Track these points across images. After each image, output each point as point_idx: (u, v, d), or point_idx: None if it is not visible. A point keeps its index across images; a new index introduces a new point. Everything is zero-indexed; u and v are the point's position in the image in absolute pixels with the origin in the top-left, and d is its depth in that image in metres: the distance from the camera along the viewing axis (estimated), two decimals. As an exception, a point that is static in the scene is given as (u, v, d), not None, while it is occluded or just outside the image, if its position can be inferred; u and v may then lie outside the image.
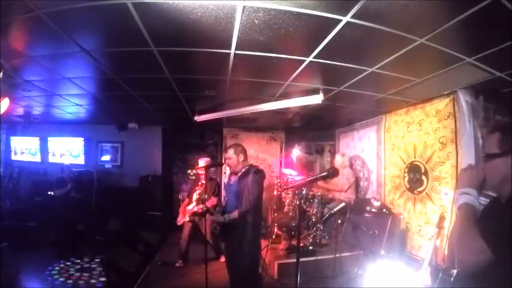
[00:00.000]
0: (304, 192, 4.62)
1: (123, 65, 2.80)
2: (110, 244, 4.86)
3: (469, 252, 1.00)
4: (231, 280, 2.80)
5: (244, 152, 2.83)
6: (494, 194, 1.14)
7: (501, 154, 1.07)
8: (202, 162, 4.25)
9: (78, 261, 4.11)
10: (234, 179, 2.78)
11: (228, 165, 2.85)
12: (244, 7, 1.75)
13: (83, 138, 6.19)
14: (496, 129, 1.14)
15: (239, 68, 2.78)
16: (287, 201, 4.90)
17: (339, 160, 5.15)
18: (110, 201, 5.72)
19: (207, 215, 3.02)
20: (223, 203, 2.92)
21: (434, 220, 3.36)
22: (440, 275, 2.84)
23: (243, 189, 2.56)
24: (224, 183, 5.40)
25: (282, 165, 6.42)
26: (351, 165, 5.32)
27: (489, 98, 3.13)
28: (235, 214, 2.57)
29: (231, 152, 2.78)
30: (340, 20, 1.85)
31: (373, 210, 4.02)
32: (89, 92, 3.79)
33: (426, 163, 3.66)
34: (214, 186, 4.45)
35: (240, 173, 2.70)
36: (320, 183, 4.95)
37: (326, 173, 1.80)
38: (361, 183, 5.31)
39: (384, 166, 4.63)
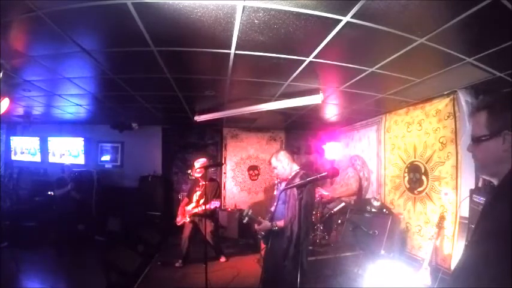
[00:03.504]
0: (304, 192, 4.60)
1: (123, 65, 2.80)
2: (110, 244, 4.87)
3: None
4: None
5: (288, 156, 2.69)
6: (491, 179, 1.05)
7: (489, 136, 0.97)
8: (198, 164, 4.19)
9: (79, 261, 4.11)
10: (283, 185, 2.67)
11: (276, 174, 2.74)
12: (244, 7, 1.75)
13: (83, 138, 6.19)
14: (482, 107, 1.02)
15: (239, 68, 2.77)
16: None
17: (345, 161, 5.18)
18: (110, 201, 5.73)
19: (249, 220, 2.75)
20: (272, 209, 2.75)
21: (434, 220, 3.36)
22: (440, 275, 2.85)
23: (289, 196, 2.41)
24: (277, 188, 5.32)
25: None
26: (353, 165, 5.33)
27: (489, 98, 3.13)
28: (281, 223, 2.46)
29: (273, 161, 2.67)
30: (340, 20, 1.85)
31: (373, 210, 4.02)
32: (89, 92, 3.78)
33: (426, 163, 3.65)
34: (215, 187, 4.45)
35: (289, 179, 2.58)
36: (328, 192, 4.97)
37: (326, 173, 1.79)
38: (362, 183, 5.31)
39: (384, 166, 4.63)
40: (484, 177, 1.04)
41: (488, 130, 0.98)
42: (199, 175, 4.21)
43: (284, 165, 2.64)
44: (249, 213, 2.70)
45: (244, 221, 2.76)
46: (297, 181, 2.40)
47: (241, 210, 2.86)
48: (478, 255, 0.97)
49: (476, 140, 1.03)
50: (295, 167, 2.66)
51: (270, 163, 2.78)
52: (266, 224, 2.61)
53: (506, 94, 1.07)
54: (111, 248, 4.52)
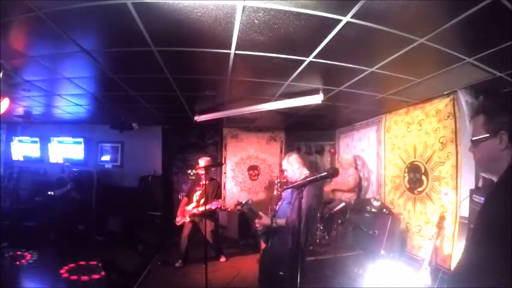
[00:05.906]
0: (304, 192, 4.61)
1: (123, 65, 2.80)
2: (110, 244, 4.87)
3: None
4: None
5: (299, 160, 2.72)
6: (491, 177, 1.13)
7: (487, 137, 1.06)
8: (203, 161, 4.23)
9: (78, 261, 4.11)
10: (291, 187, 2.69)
11: (286, 176, 2.79)
12: (244, 7, 1.75)
13: (83, 138, 6.19)
14: (480, 111, 1.12)
15: (239, 68, 2.77)
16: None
17: (349, 159, 5.18)
18: (110, 201, 5.72)
19: (249, 212, 2.74)
20: (277, 207, 2.79)
21: (434, 220, 3.36)
22: (440, 275, 2.85)
23: (295, 198, 2.38)
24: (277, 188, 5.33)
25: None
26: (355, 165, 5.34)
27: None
28: (283, 221, 2.49)
29: (284, 163, 2.71)
30: (340, 20, 1.85)
31: (373, 210, 4.03)
32: (89, 92, 3.79)
33: (426, 163, 3.65)
34: (215, 187, 4.45)
35: (297, 182, 2.59)
36: (328, 186, 4.97)
37: (326, 173, 1.80)
38: (361, 182, 5.31)
39: (384, 166, 4.63)
40: (484, 175, 1.23)
41: (486, 131, 1.06)
42: (202, 172, 4.20)
43: (294, 168, 2.65)
44: (249, 204, 2.70)
45: (245, 210, 2.75)
46: (307, 187, 2.41)
47: (240, 203, 2.86)
48: (477, 254, 1.00)
49: (475, 141, 1.11)
50: (305, 172, 2.66)
51: (281, 165, 2.81)
52: (266, 219, 2.62)
53: (503, 97, 1.15)
54: (111, 248, 4.53)
